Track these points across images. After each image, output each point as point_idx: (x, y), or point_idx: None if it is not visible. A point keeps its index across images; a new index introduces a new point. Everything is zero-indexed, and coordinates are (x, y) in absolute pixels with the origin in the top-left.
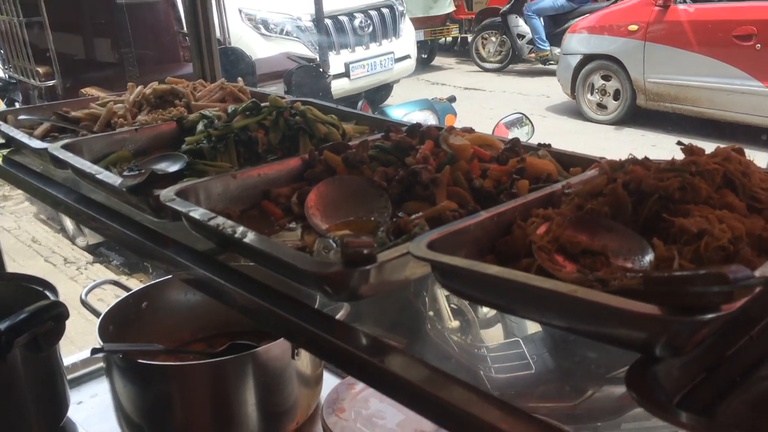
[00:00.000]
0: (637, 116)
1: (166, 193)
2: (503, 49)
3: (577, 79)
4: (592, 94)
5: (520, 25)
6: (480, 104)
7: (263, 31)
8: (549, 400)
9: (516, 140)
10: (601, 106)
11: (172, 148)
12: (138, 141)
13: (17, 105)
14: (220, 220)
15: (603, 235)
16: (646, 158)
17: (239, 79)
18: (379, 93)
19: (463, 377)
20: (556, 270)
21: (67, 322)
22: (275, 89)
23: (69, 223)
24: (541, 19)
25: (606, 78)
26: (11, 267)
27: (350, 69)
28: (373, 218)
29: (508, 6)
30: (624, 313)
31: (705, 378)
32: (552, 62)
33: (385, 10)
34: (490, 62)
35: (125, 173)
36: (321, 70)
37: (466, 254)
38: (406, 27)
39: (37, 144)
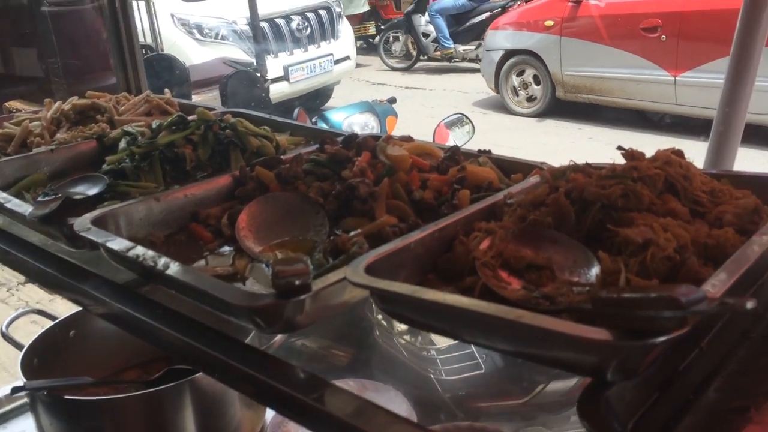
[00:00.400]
0: (557, 108)
1: (82, 222)
2: (408, 49)
3: (500, 74)
4: (514, 88)
5: (424, 24)
6: (421, 103)
7: (197, 36)
8: (499, 399)
9: (455, 148)
10: (526, 100)
11: (93, 169)
12: (55, 162)
13: None
14: (140, 250)
15: (547, 248)
16: (587, 165)
17: (166, 90)
18: (320, 96)
19: (413, 381)
20: (500, 288)
21: None
22: (212, 96)
23: None
24: (444, 18)
25: (526, 73)
26: None
27: (289, 72)
28: (309, 237)
29: (412, 6)
30: (573, 338)
31: (658, 398)
32: (456, 60)
33: (322, 12)
34: (397, 60)
35: (39, 199)
36: (258, 74)
37: (407, 274)
38: (344, 28)
39: None
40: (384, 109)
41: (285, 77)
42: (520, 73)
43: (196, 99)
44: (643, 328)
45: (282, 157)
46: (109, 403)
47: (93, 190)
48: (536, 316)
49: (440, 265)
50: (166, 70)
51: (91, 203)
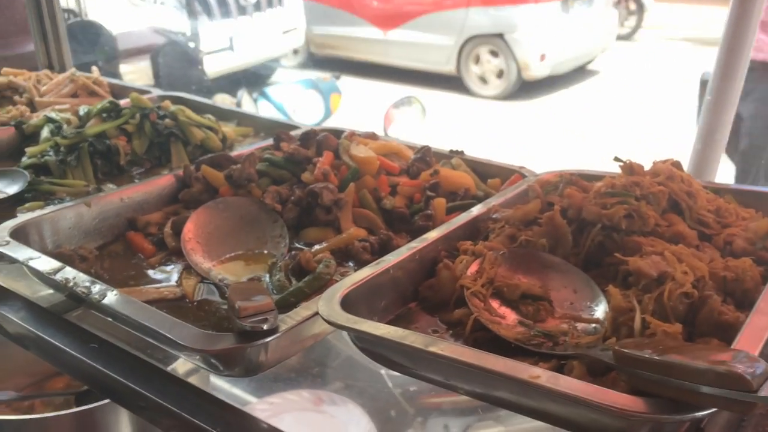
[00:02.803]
0: (313, 62)
1: None
2: None
3: None
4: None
5: None
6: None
7: None
8: (453, 394)
9: (426, 149)
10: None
11: (11, 160)
12: None
13: None
14: (69, 273)
15: (542, 273)
16: (580, 178)
17: (93, 68)
18: (265, 71)
19: (364, 378)
20: (494, 324)
21: None
22: (142, 67)
23: None
24: None
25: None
26: None
27: (233, 42)
28: (266, 251)
29: None
30: (603, 407)
31: None
32: None
33: None
34: None
35: None
36: (193, 45)
37: (386, 304)
38: None
39: None
40: (328, 86)
41: (230, 47)
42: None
43: (124, 70)
44: (683, 399)
45: (231, 154)
46: (36, 423)
47: (12, 189)
48: (556, 377)
49: (423, 292)
50: (90, 39)
51: (9, 203)
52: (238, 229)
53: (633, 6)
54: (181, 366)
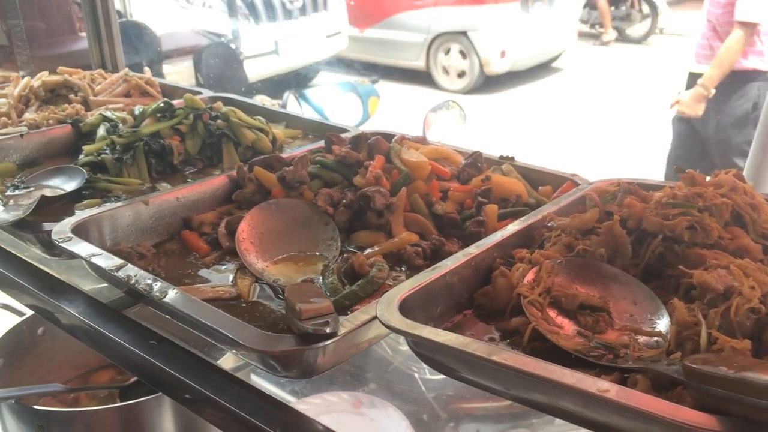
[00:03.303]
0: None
1: (61, 230)
2: None
3: None
4: None
5: None
6: None
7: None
8: (485, 400)
9: (477, 154)
10: None
11: (67, 157)
12: (25, 149)
13: None
14: (130, 270)
15: (601, 284)
16: (638, 187)
17: (146, 68)
18: (306, 74)
19: (397, 380)
20: (552, 333)
21: None
22: (184, 67)
23: None
24: None
25: None
26: None
27: (278, 46)
28: (318, 253)
29: None
30: (679, 426)
31: None
32: None
33: None
34: None
35: (9, 192)
36: (233, 47)
37: (442, 310)
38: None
39: None
40: (367, 90)
41: (275, 51)
42: None
43: (167, 71)
44: (759, 418)
45: (283, 156)
46: (83, 415)
47: (70, 185)
48: (626, 391)
49: (478, 299)
50: (135, 39)
51: (67, 200)
52: (290, 230)
53: (646, 9)
54: (226, 362)
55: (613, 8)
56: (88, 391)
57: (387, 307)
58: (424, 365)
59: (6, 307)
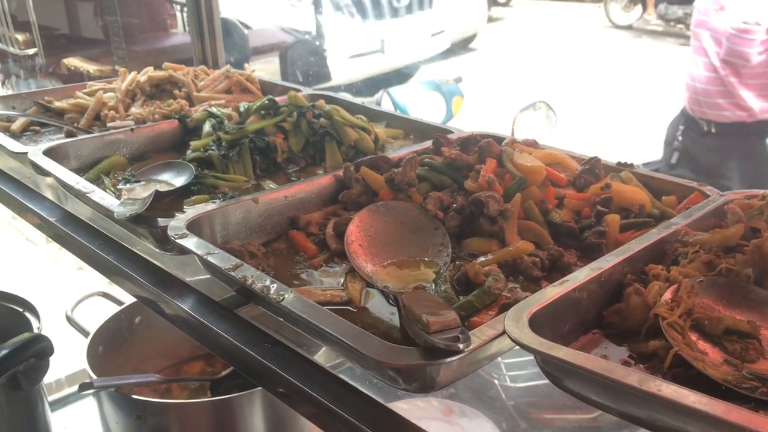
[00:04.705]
0: None
1: (177, 226)
2: None
3: None
4: None
5: None
6: None
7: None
8: (567, 411)
9: (596, 160)
10: None
11: (174, 151)
12: (134, 143)
13: None
14: (247, 270)
15: (748, 307)
16: None
17: (246, 65)
18: (403, 73)
19: (477, 386)
20: (696, 360)
21: (51, 333)
22: (270, 64)
23: None
24: None
25: None
26: None
27: (384, 45)
28: (428, 258)
29: None
30: None
31: None
32: None
33: None
34: None
35: (120, 185)
36: (317, 44)
37: (570, 328)
38: None
39: (15, 147)
40: (450, 89)
41: (380, 50)
42: None
43: (253, 68)
44: None
45: (389, 156)
46: (178, 407)
47: (179, 180)
48: None
49: (608, 318)
50: (226, 36)
51: (175, 195)
52: (399, 234)
53: None
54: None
55: None
56: (180, 383)
57: (516, 322)
58: (504, 373)
59: (106, 295)
